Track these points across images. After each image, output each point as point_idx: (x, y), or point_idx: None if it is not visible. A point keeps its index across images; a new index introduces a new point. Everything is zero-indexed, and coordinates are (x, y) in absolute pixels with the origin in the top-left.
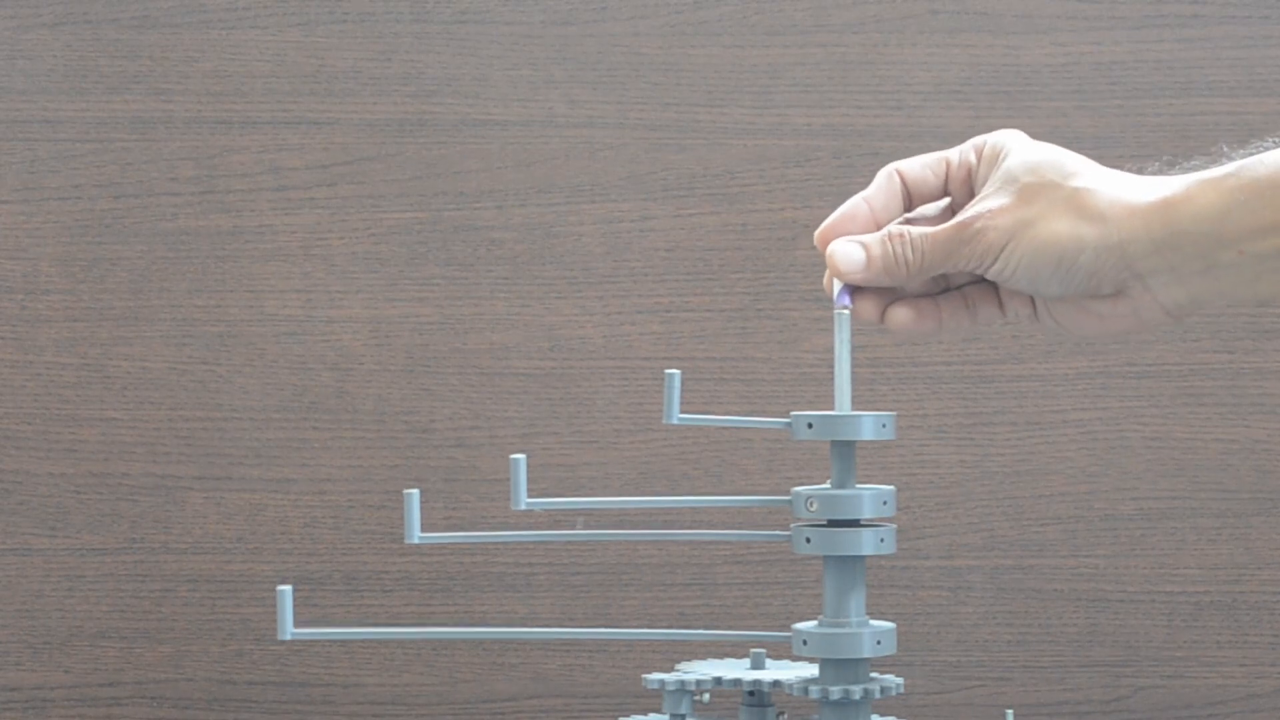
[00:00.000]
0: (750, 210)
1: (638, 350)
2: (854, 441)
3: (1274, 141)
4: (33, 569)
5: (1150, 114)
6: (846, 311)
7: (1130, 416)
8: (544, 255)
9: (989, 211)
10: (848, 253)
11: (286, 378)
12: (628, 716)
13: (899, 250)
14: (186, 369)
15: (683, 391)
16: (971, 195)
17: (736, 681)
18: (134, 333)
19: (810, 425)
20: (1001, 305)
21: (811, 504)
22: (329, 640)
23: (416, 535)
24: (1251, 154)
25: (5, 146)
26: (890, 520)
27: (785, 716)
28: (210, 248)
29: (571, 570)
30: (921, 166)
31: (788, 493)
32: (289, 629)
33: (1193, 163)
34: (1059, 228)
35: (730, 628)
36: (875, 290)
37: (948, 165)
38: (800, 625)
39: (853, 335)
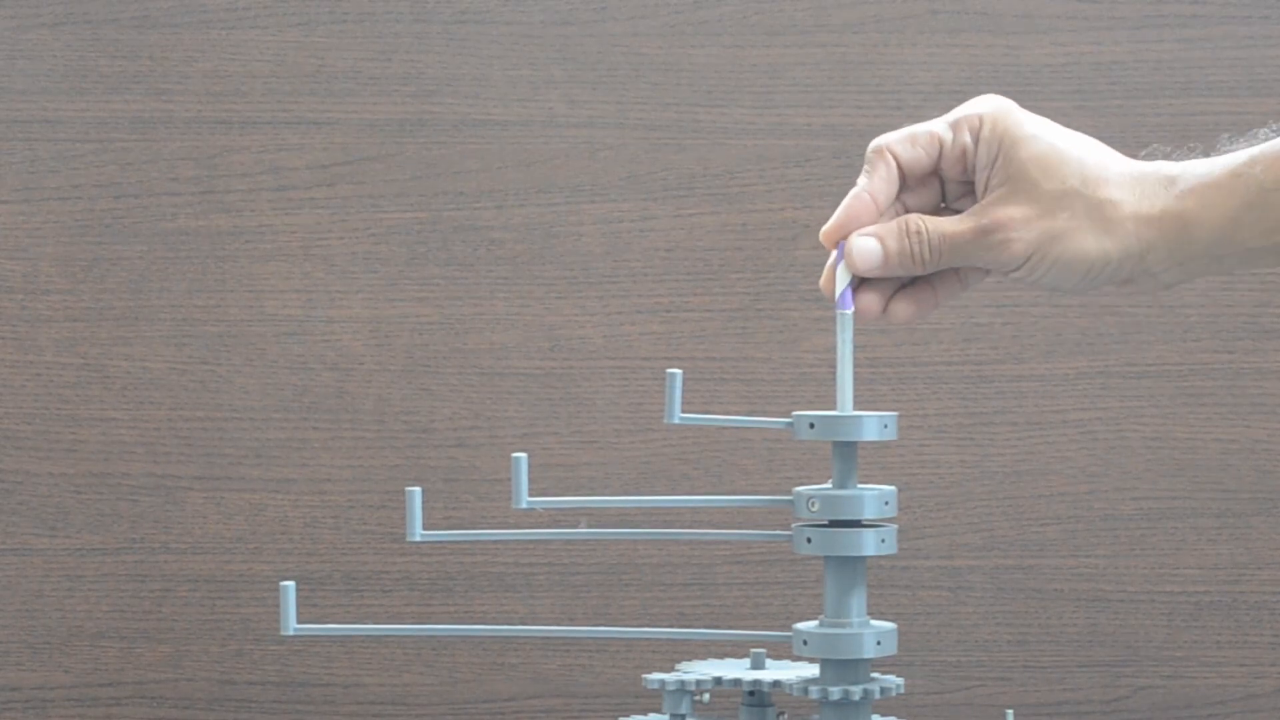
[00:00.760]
0: (750, 210)
1: (638, 350)
2: (856, 442)
3: (1273, 129)
4: (33, 569)
5: (1150, 114)
6: (849, 313)
7: (1130, 416)
8: (544, 255)
9: (1012, 221)
10: (865, 247)
11: (286, 378)
12: (628, 716)
13: (916, 248)
14: (186, 369)
15: (683, 391)
16: (965, 171)
17: (736, 681)
18: (134, 333)
19: (812, 425)
20: (989, 270)
21: (813, 504)
22: (329, 640)
23: (418, 533)
24: (1250, 144)
25: (5, 146)
26: (891, 520)
27: (785, 716)
28: (210, 248)
29: (571, 570)
30: (912, 145)
31: (788, 493)
32: (292, 624)
33: (1194, 153)
34: (1086, 244)
35: (730, 628)
36: (877, 283)
37: (941, 145)
38: (801, 625)
39: (855, 336)
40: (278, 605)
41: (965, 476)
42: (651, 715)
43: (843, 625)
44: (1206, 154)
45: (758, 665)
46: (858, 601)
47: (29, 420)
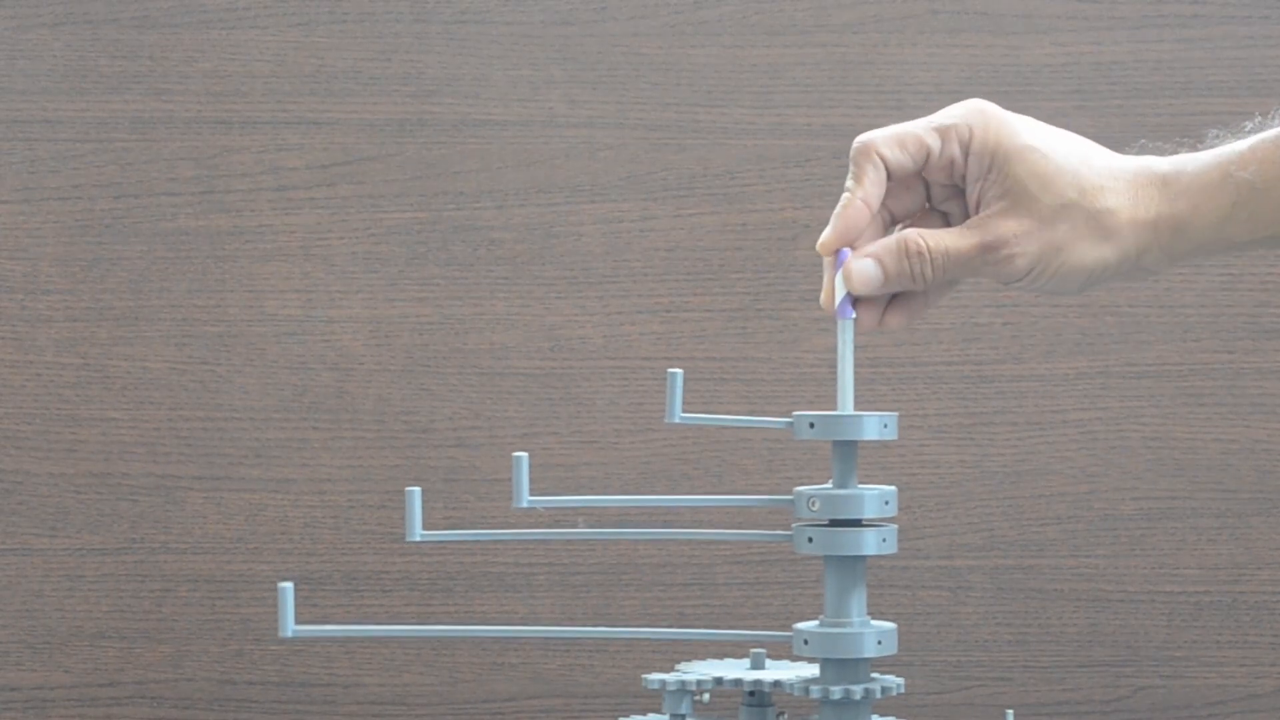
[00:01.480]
0: (750, 210)
1: (638, 350)
2: (856, 442)
3: (1257, 121)
4: (33, 569)
5: (1150, 114)
6: (849, 320)
7: (1130, 416)
8: (544, 255)
9: (1014, 237)
10: (864, 270)
11: (286, 378)
12: (628, 716)
13: (917, 268)
14: (186, 369)
15: (683, 391)
16: (951, 178)
17: (737, 681)
18: (134, 333)
19: (812, 425)
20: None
21: (813, 504)
22: (329, 640)
23: (418, 533)
24: (1237, 136)
25: (5, 146)
26: (891, 520)
27: (785, 716)
28: (210, 248)
29: (571, 570)
30: (900, 149)
31: (788, 492)
32: (290, 626)
33: (1182, 147)
34: (1086, 254)
35: (730, 628)
36: (872, 297)
37: (929, 153)
38: (801, 625)
39: (854, 337)
40: (277, 605)
41: (965, 476)
42: (651, 715)
43: (843, 625)
44: (1194, 148)
45: (758, 665)
46: (858, 601)
47: (29, 420)
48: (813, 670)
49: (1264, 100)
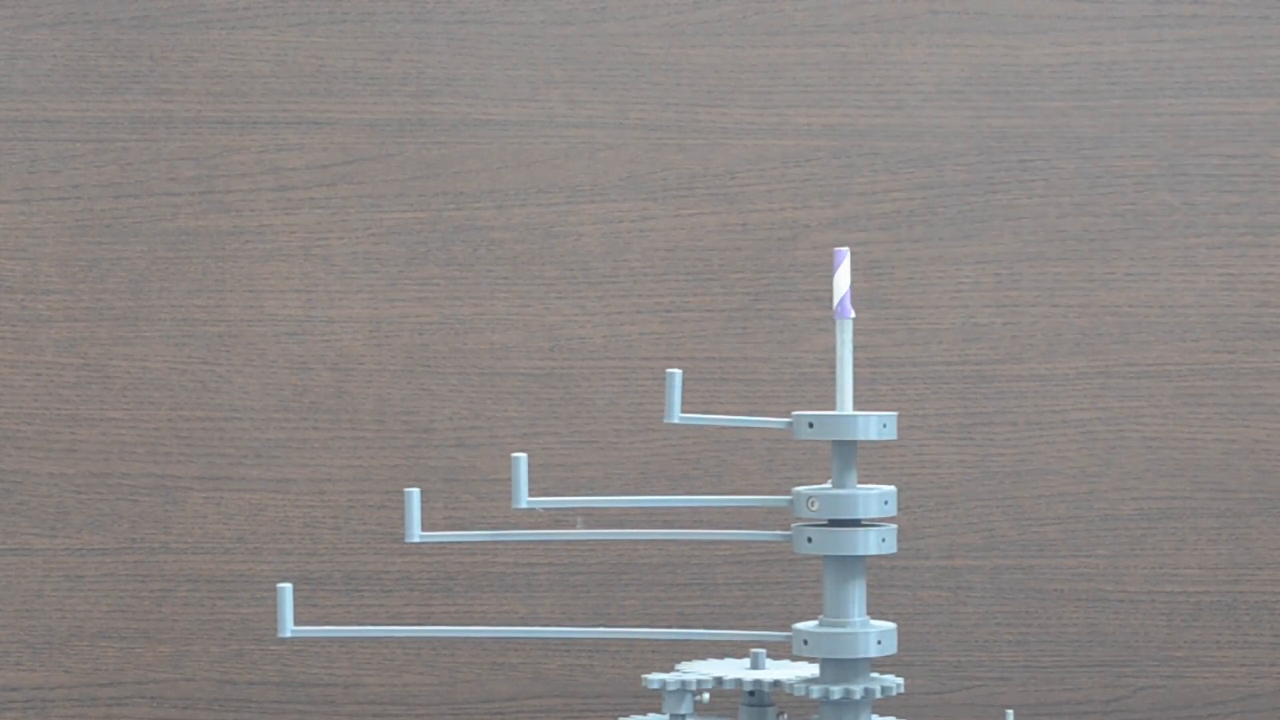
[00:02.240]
0: (750, 210)
1: (638, 350)
2: (855, 442)
3: None
4: (33, 569)
5: (1150, 114)
6: (849, 319)
7: (1130, 416)
8: (544, 255)
9: None
10: None
11: (286, 378)
12: (627, 716)
13: None
14: (186, 369)
15: (683, 391)
16: None
17: (737, 681)
18: (134, 333)
19: (811, 425)
20: None
21: (813, 504)
22: (329, 640)
23: (417, 534)
24: None
25: (5, 146)
26: (891, 520)
27: (785, 716)
28: (210, 248)
29: (571, 570)
30: None
31: (788, 492)
32: (289, 626)
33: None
34: None
35: (730, 628)
36: None
37: None
38: (801, 625)
39: (855, 336)
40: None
41: (965, 476)
42: (651, 715)
43: (843, 625)
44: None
45: (757, 665)
46: (858, 601)
47: (29, 420)
48: (812, 670)
49: (1263, 100)
